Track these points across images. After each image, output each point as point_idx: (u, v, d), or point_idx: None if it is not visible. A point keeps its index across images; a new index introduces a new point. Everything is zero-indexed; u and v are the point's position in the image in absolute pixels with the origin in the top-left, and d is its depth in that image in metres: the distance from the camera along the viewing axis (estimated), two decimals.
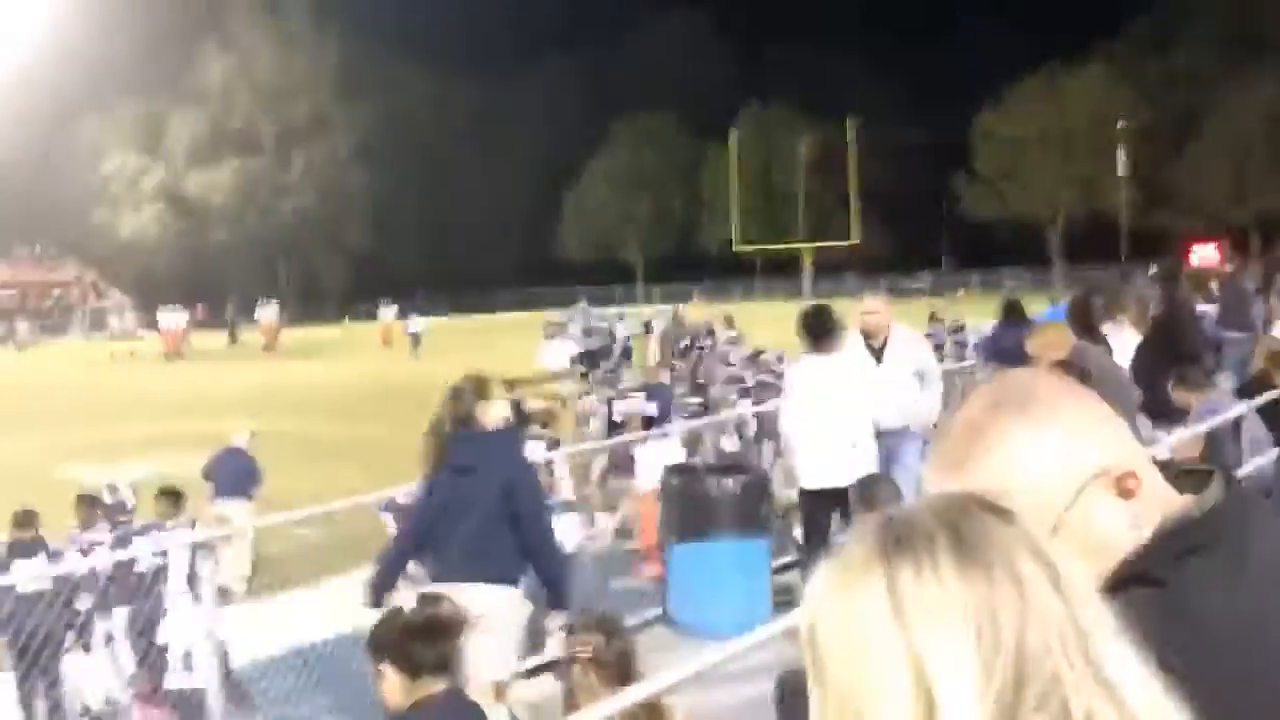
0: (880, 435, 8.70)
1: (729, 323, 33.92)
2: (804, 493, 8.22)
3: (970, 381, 13.75)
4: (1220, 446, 8.11)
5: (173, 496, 10.22)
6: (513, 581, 5.99)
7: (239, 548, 12.24)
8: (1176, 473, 1.56)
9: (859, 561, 1.07)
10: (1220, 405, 8.77)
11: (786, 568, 9.70)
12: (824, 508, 7.87)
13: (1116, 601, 1.10)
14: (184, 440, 23.87)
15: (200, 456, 20.15)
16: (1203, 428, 7.98)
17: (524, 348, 34.29)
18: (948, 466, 1.50)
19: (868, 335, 8.84)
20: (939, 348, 23.33)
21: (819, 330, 8.34)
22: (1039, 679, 1.00)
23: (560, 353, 31.12)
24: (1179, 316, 10.72)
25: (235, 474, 13.79)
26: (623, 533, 12.18)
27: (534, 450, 11.13)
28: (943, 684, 0.99)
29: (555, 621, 6.15)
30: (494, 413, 6.26)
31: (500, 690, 5.92)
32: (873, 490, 6.58)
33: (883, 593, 1.03)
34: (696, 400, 18.38)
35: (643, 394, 17.85)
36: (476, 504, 5.90)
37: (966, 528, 1.06)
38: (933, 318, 31.50)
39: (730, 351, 29.74)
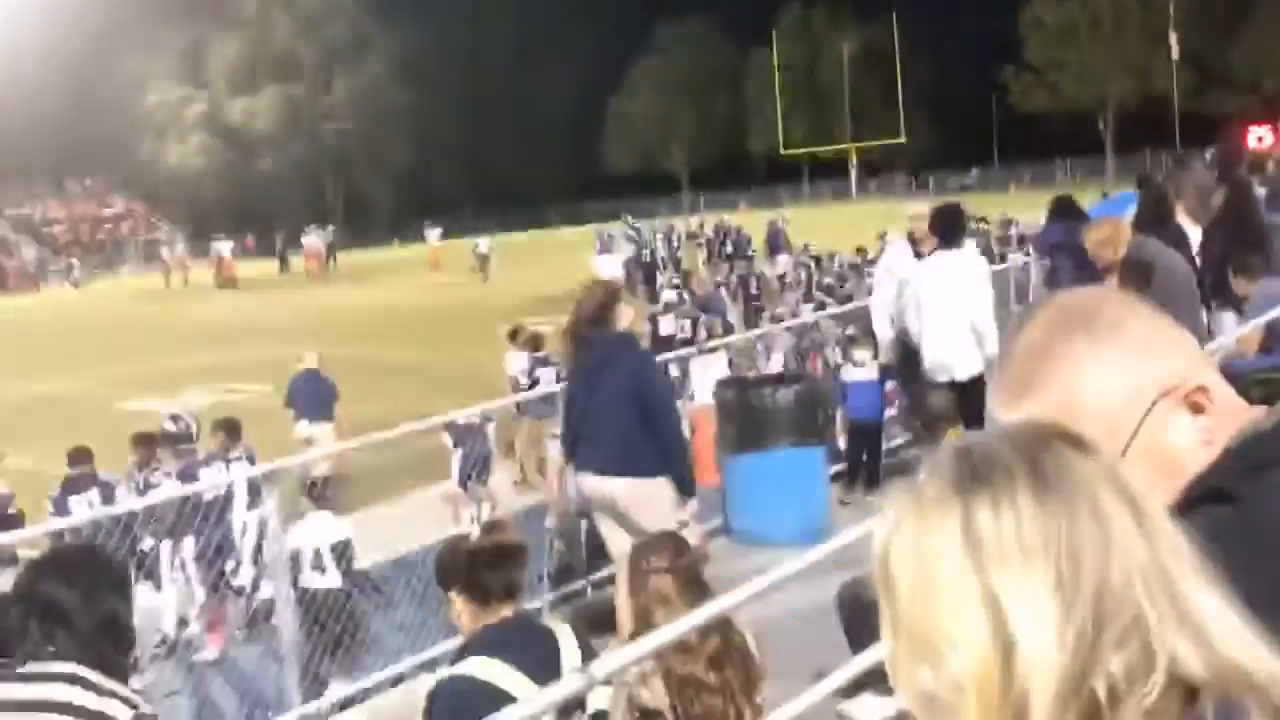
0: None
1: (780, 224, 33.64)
2: (928, 384, 8.29)
3: (1023, 278, 13.61)
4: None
5: (230, 428, 10.34)
6: (654, 473, 6.27)
7: (322, 468, 12.61)
8: (1249, 381, 1.52)
9: (934, 496, 1.03)
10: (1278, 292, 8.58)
11: (838, 476, 9.78)
12: (946, 398, 7.91)
13: (1189, 520, 1.06)
14: (241, 369, 24.21)
15: (258, 385, 20.42)
16: (1262, 319, 7.82)
17: (576, 262, 34.37)
18: (1012, 391, 1.46)
19: (915, 241, 8.83)
20: (986, 253, 23.09)
21: (948, 228, 8.58)
22: (1120, 618, 0.97)
23: (613, 266, 31.22)
24: (1240, 201, 10.45)
25: (315, 396, 14.09)
26: None
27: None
28: (1020, 623, 0.96)
29: (684, 513, 6.42)
30: (622, 317, 6.55)
31: None
32: (929, 399, 6.57)
33: (958, 529, 1.00)
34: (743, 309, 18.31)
35: (688, 308, 17.85)
36: (609, 404, 6.25)
37: (1046, 461, 1.03)
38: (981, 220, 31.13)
39: (782, 259, 29.51)
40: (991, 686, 0.97)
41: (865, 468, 9.83)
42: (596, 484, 6.42)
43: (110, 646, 2.81)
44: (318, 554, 7.98)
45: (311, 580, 7.91)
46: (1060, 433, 1.08)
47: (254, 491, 9.34)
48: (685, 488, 6.42)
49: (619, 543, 6.10)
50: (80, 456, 10.04)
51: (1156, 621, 0.97)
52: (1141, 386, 1.42)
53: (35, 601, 2.77)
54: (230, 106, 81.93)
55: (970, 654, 0.98)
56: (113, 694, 2.66)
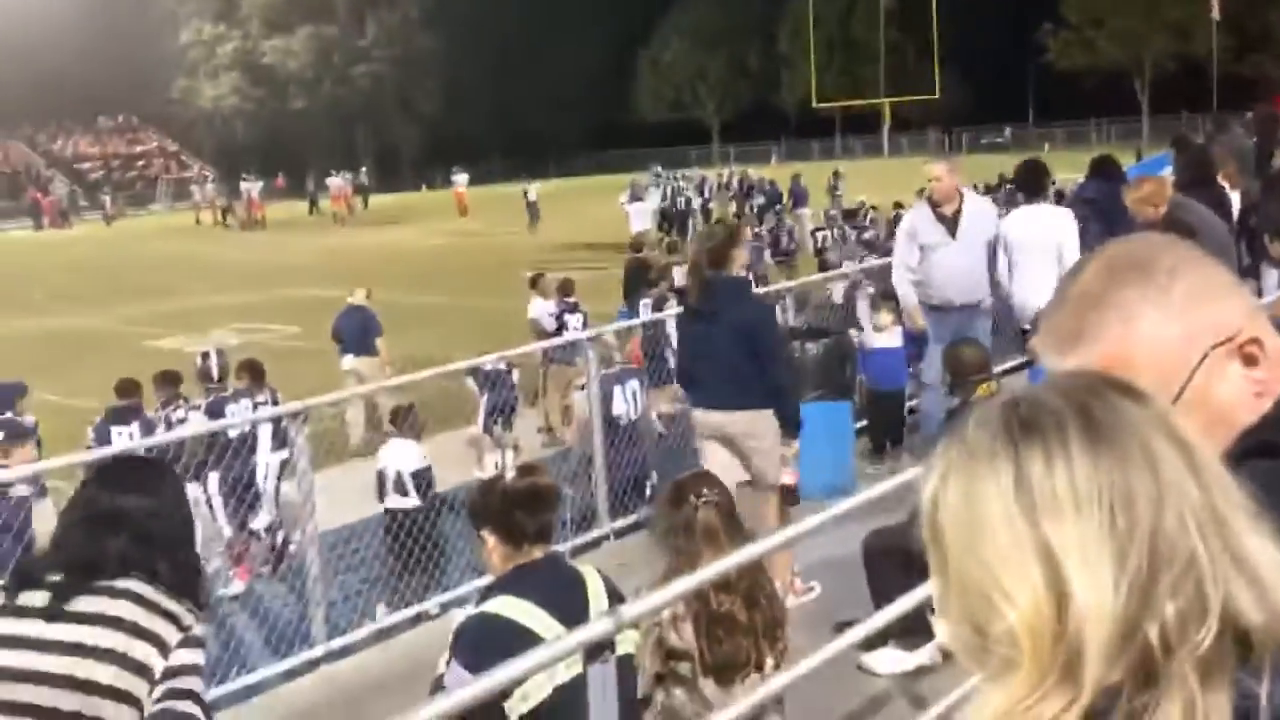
0: (951, 310, 8.60)
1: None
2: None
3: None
4: None
5: (254, 370, 10.39)
6: (763, 407, 6.64)
7: (355, 405, 13.18)
8: None
9: (984, 446, 1.03)
10: None
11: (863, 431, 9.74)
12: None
13: (1239, 472, 1.06)
14: (269, 309, 24.30)
15: (285, 325, 20.55)
16: None
17: (606, 212, 34.27)
18: (1063, 339, 1.45)
19: (935, 204, 8.64)
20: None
21: (1032, 181, 8.87)
22: (1174, 565, 0.96)
23: (644, 215, 31.11)
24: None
25: (360, 330, 14.35)
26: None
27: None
28: (1074, 571, 0.96)
29: (790, 449, 6.82)
30: (737, 259, 6.83)
31: (773, 490, 6.77)
32: (962, 353, 6.55)
33: (1010, 479, 1.00)
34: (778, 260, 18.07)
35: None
36: (724, 343, 6.58)
37: (1098, 409, 1.02)
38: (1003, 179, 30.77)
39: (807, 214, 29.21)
40: (1045, 635, 0.97)
41: (889, 438, 9.64)
42: (709, 416, 6.80)
43: (184, 556, 2.85)
44: (400, 477, 8.55)
45: (395, 501, 8.51)
46: (1110, 380, 1.07)
47: (277, 434, 9.42)
48: (790, 424, 6.75)
49: (722, 461, 6.56)
50: (128, 389, 10.09)
51: (1210, 566, 0.96)
52: (1195, 337, 1.40)
53: (107, 515, 2.78)
54: (263, 46, 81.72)
55: (1024, 603, 0.98)
56: (167, 614, 2.69)
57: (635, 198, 31.95)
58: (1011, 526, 0.99)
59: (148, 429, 9.49)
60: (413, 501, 8.48)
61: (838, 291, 11.94)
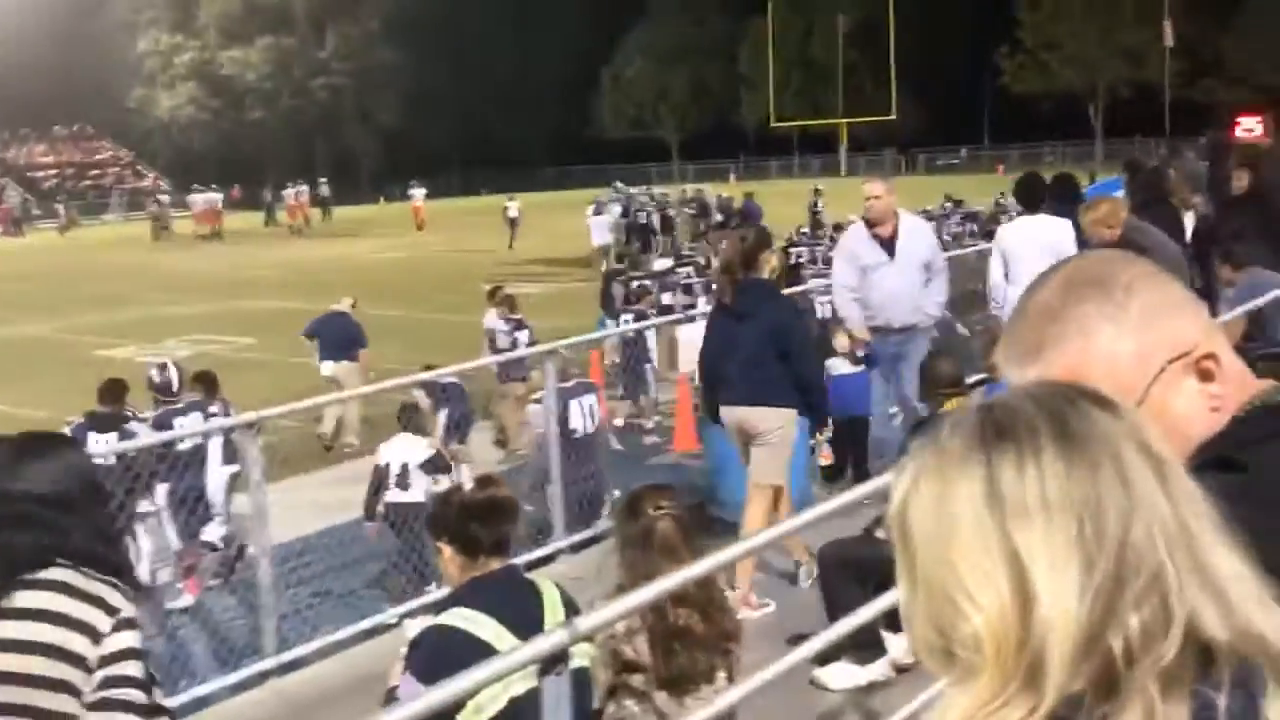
0: (890, 331, 8.58)
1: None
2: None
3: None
4: (1270, 326, 7.97)
5: (207, 381, 10.29)
6: (789, 405, 6.92)
7: (350, 406, 13.48)
8: (1255, 358, 1.53)
9: (957, 450, 1.04)
10: (1266, 283, 8.59)
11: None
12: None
13: (1198, 485, 1.06)
14: (224, 321, 24.11)
15: (240, 336, 20.44)
16: (1239, 309, 7.83)
17: (568, 226, 34.23)
18: (1023, 352, 1.46)
19: (872, 224, 8.53)
20: (954, 237, 22.99)
21: (1029, 194, 9.23)
22: (1141, 577, 0.97)
23: (605, 230, 31.20)
24: (1264, 187, 10.39)
25: (342, 337, 14.51)
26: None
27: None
28: (1041, 579, 0.97)
29: (821, 435, 7.22)
30: (767, 263, 7.13)
31: (778, 493, 6.99)
32: (938, 365, 6.61)
33: (981, 483, 1.01)
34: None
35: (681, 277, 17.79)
36: (754, 343, 6.84)
37: (1072, 418, 1.03)
38: (948, 199, 31.03)
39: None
40: (1009, 640, 0.97)
41: (853, 467, 9.36)
42: (736, 413, 7.03)
43: (98, 530, 2.80)
44: (405, 470, 8.78)
45: (395, 495, 8.72)
46: (1084, 390, 1.08)
47: (230, 447, 9.30)
48: (818, 419, 7.13)
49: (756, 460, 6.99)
50: (113, 393, 9.91)
51: (1176, 580, 0.97)
52: (1151, 351, 1.42)
53: (15, 510, 2.74)
54: (221, 56, 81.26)
55: (989, 608, 0.98)
56: (95, 599, 2.65)
57: (598, 211, 32.07)
58: (980, 530, 0.99)
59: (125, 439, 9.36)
60: (415, 496, 8.63)
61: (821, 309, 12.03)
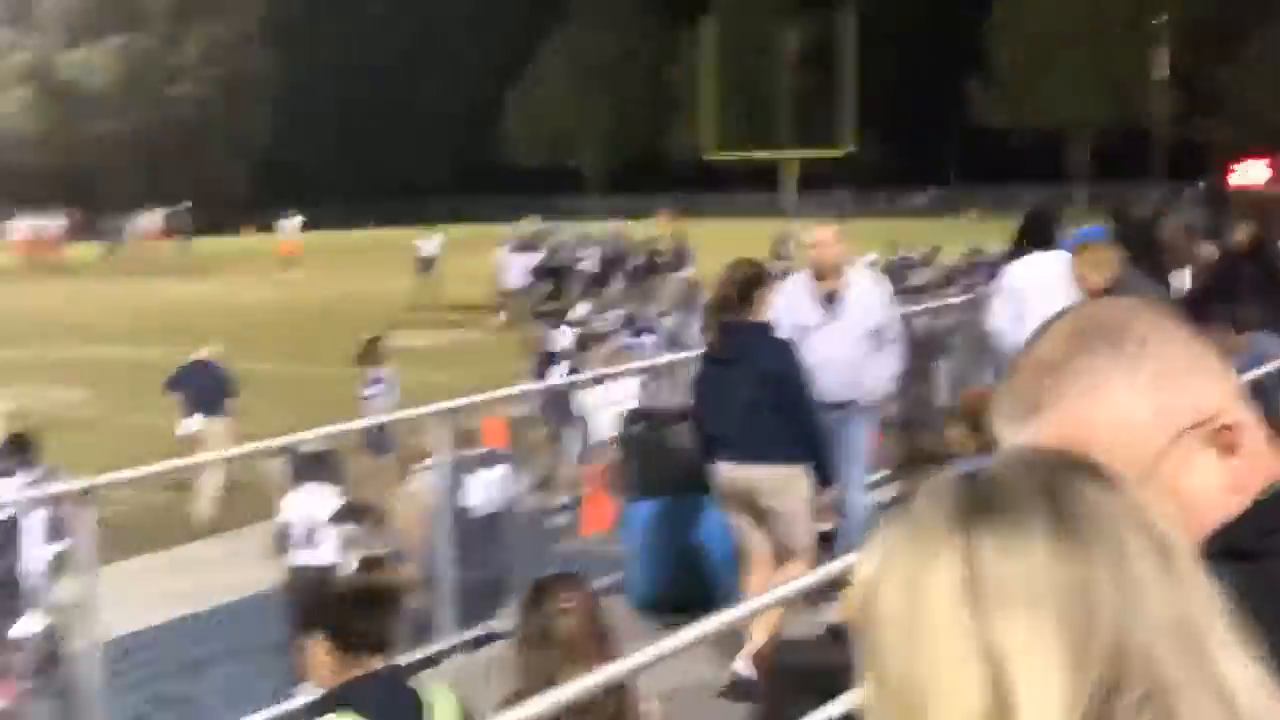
0: (822, 406, 8.51)
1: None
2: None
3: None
4: (1272, 397, 8.11)
5: (21, 446, 10.09)
6: (793, 460, 7.03)
7: (212, 469, 13.36)
8: None
9: (931, 529, 1.03)
10: (1269, 350, 8.75)
11: None
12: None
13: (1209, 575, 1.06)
14: (53, 371, 23.70)
15: (73, 389, 20.09)
16: (1245, 376, 8.00)
17: (468, 266, 34.02)
18: (1019, 409, 1.45)
19: (817, 275, 8.43)
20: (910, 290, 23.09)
21: (1041, 230, 9.49)
22: (1141, 680, 0.96)
23: (522, 270, 31.18)
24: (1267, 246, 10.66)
25: (212, 388, 14.63)
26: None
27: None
28: (1021, 680, 0.96)
29: (823, 500, 7.43)
30: (764, 302, 7.18)
31: (803, 556, 7.06)
32: (919, 437, 6.76)
33: (958, 567, 0.99)
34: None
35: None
36: (748, 393, 6.94)
37: (1065, 493, 1.02)
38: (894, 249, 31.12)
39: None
40: None
41: None
42: (734, 472, 7.11)
43: None
44: (312, 528, 8.75)
45: (303, 557, 8.65)
46: (1080, 461, 1.07)
47: (55, 521, 9.09)
48: (826, 474, 7.22)
49: (759, 542, 7.10)
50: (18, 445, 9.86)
51: (1180, 689, 0.96)
52: (1166, 417, 1.41)
53: None
54: (62, 58, 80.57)
55: (960, 711, 0.96)
56: None
57: (525, 247, 32.04)
58: (954, 621, 0.98)
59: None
60: (325, 556, 8.57)
61: None
